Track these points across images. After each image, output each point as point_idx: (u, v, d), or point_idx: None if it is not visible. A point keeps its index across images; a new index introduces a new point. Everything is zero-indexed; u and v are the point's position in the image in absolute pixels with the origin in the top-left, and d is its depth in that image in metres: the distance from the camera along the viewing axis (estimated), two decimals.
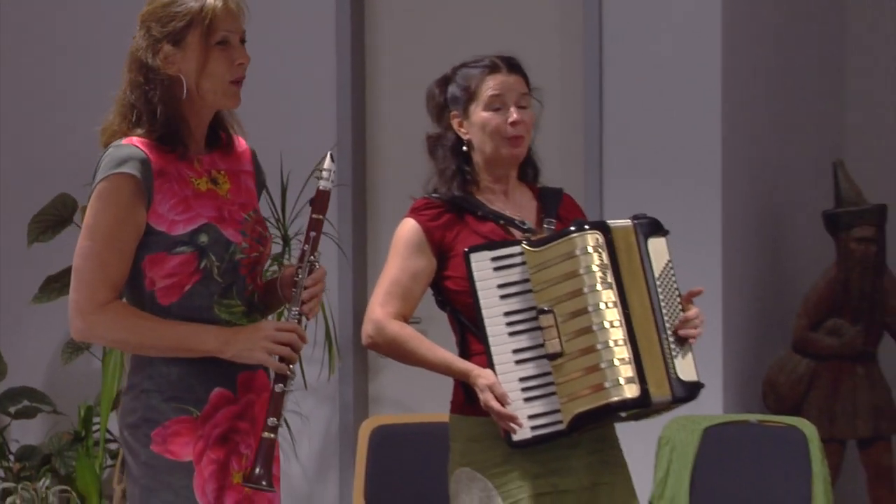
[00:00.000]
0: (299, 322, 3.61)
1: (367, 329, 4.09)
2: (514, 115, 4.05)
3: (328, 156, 3.70)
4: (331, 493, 6.18)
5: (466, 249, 3.98)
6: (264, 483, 3.51)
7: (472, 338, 4.05)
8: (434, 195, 4.11)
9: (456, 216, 4.08)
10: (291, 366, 3.57)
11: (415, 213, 4.10)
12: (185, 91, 3.55)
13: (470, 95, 4.09)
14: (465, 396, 4.03)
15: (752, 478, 5.36)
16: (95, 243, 3.51)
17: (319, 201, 3.66)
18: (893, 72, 6.97)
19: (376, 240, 6.23)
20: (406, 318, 4.09)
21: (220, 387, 3.58)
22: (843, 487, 6.04)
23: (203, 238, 3.53)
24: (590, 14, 5.91)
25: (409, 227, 4.09)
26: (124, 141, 3.54)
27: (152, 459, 3.54)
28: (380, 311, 4.06)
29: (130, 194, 3.49)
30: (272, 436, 3.53)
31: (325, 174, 3.67)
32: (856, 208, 6.13)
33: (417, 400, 6.03)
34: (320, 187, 3.67)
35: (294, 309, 3.60)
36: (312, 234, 3.64)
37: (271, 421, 3.54)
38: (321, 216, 3.66)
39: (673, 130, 5.82)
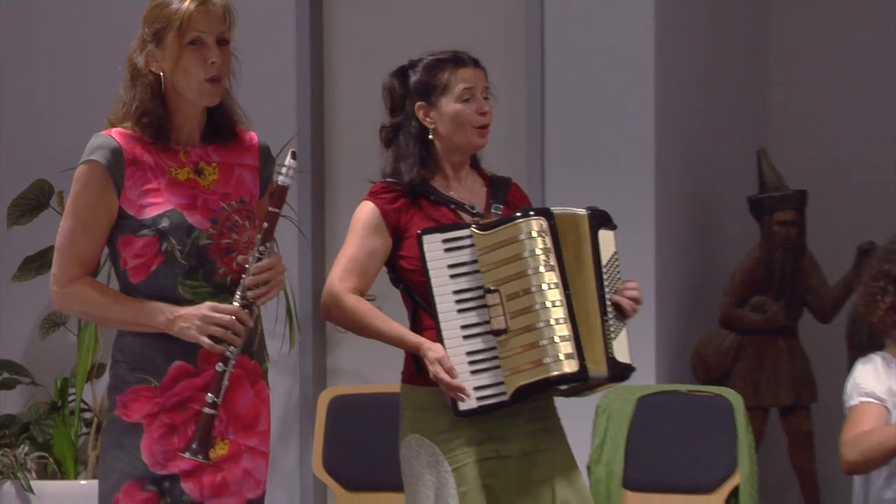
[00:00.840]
0: (248, 307, 3.61)
1: (326, 301, 4.10)
2: (484, 105, 4.07)
3: (290, 153, 3.70)
4: (291, 459, 6.18)
5: (419, 231, 3.99)
6: (200, 456, 3.52)
7: (423, 314, 4.05)
8: (391, 180, 4.11)
9: (411, 200, 4.09)
10: (232, 347, 3.56)
11: (373, 196, 4.11)
12: (162, 87, 3.58)
13: (441, 88, 4.09)
14: (416, 368, 4.04)
15: (683, 443, 5.38)
16: (69, 223, 3.58)
17: (278, 196, 3.67)
18: (813, 68, 7.00)
19: (333, 222, 6.23)
20: (362, 293, 4.09)
21: (180, 360, 3.60)
22: (766, 452, 6.09)
23: (164, 222, 3.56)
24: (532, 13, 5.91)
25: (367, 209, 4.10)
26: (105, 132, 3.59)
27: (112, 421, 3.61)
28: (338, 285, 4.07)
29: (99, 180, 3.54)
30: (211, 411, 3.53)
31: (284, 170, 3.67)
32: (778, 194, 6.16)
33: (371, 371, 6.04)
34: (279, 182, 3.67)
35: (238, 294, 3.61)
36: (267, 225, 3.65)
37: (209, 398, 3.54)
38: (278, 210, 3.67)
39: (610, 123, 5.84)
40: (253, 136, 3.79)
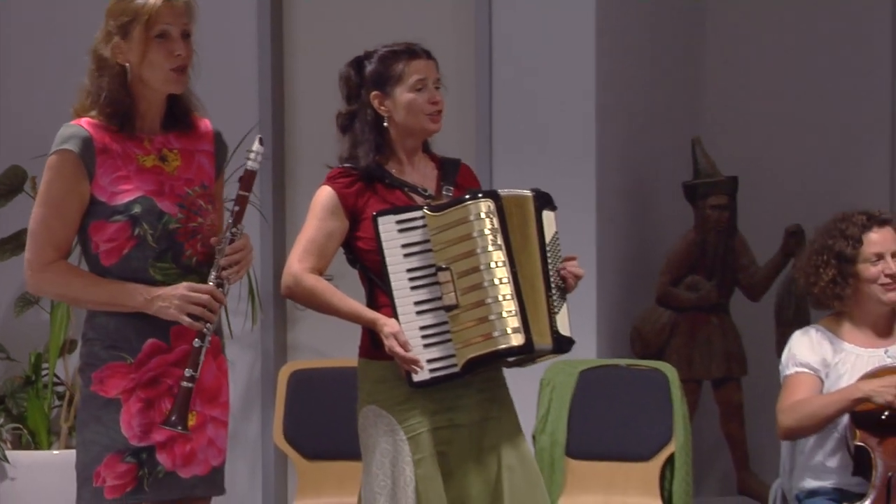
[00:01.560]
0: (221, 286, 3.63)
1: (287, 281, 4.10)
2: (436, 95, 4.08)
3: (257, 139, 3.73)
4: (254, 430, 6.18)
5: (374, 213, 3.99)
6: (179, 427, 3.54)
7: (378, 291, 4.06)
8: (348, 165, 4.11)
9: (367, 184, 4.09)
10: (208, 324, 3.58)
11: (330, 180, 4.11)
12: (128, 78, 3.58)
13: (396, 78, 4.08)
14: (372, 343, 4.04)
15: (622, 414, 5.40)
16: (43, 210, 3.58)
17: (247, 180, 3.71)
18: (744, 61, 7.02)
19: (293, 206, 6.22)
20: (321, 272, 4.09)
21: (153, 338, 3.60)
22: (699, 421, 6.11)
23: (136, 208, 3.56)
24: (480, 8, 5.92)
25: (325, 193, 4.10)
26: (74, 121, 3.58)
27: (89, 397, 3.60)
28: (298, 265, 4.07)
29: (72, 168, 3.53)
30: (189, 385, 3.55)
31: (252, 155, 3.71)
32: (711, 180, 6.18)
33: (329, 347, 6.03)
34: (248, 167, 3.71)
35: (213, 273, 3.63)
36: (237, 209, 3.68)
37: (187, 372, 3.56)
38: (247, 193, 3.71)
39: (554, 112, 5.85)
40: (207, 124, 3.79)
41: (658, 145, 6.56)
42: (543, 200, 4.09)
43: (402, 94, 4.08)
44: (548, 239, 4.06)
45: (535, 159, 5.80)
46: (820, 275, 4.51)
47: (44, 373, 6.13)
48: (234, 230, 3.67)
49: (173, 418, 3.52)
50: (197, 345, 3.57)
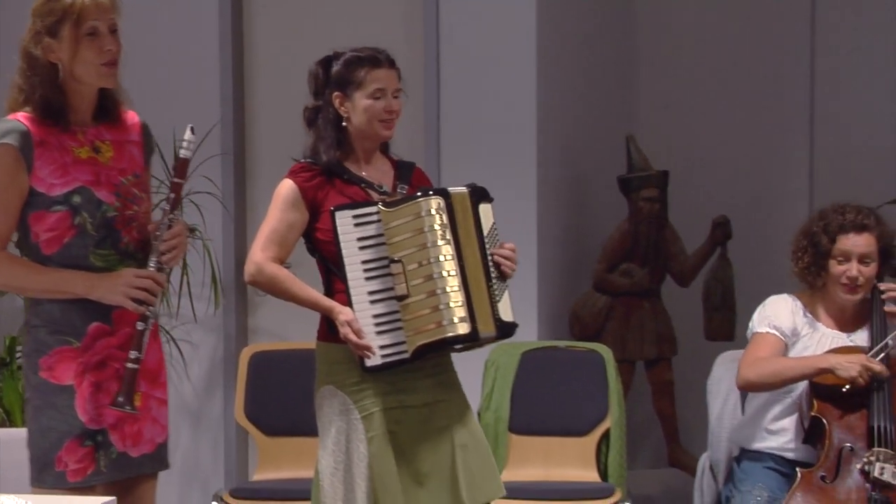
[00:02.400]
0: (160, 270, 3.60)
1: (250, 269, 4.09)
2: (393, 105, 4.08)
3: (189, 128, 3.68)
4: (217, 408, 6.16)
5: (332, 208, 4.00)
6: (127, 407, 3.51)
7: (335, 279, 4.06)
8: (309, 160, 4.11)
9: (326, 178, 4.09)
10: (150, 308, 3.56)
11: (293, 174, 4.11)
12: (60, 76, 3.52)
13: (357, 83, 4.08)
14: (329, 327, 4.05)
15: (561, 392, 5.41)
16: None
17: (180, 167, 3.67)
18: (674, 64, 7.05)
19: (253, 198, 6.20)
20: (282, 261, 4.10)
21: (97, 321, 3.57)
22: (633, 399, 6.14)
23: (76, 198, 3.53)
24: (428, 13, 5.91)
25: (287, 186, 4.10)
26: (11, 116, 3.53)
27: (40, 384, 3.54)
28: (260, 254, 4.07)
29: (11, 162, 3.49)
30: (134, 366, 3.52)
31: (185, 144, 3.67)
32: (644, 174, 6.19)
33: (288, 330, 6.02)
34: (181, 155, 3.67)
35: (153, 259, 3.60)
36: (172, 196, 3.64)
37: (132, 354, 3.53)
38: (181, 181, 3.67)
39: (497, 111, 5.85)
40: (133, 115, 3.75)
41: (594, 141, 6.57)
42: (479, 195, 4.09)
43: (361, 100, 4.08)
44: (486, 231, 4.06)
45: (479, 154, 5.80)
46: (801, 257, 4.51)
47: (18, 355, 6.09)
48: (171, 216, 3.63)
49: (121, 399, 3.50)
50: (140, 327, 3.55)
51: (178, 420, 6.12)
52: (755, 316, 4.50)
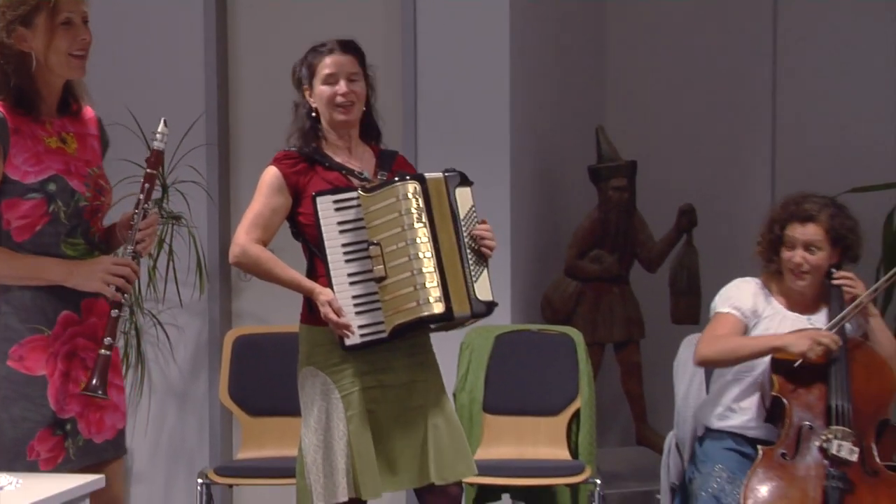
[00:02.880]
0: (134, 258, 3.57)
1: (234, 251, 4.10)
2: (343, 87, 4.08)
3: (162, 121, 3.66)
4: (202, 389, 6.15)
5: (314, 193, 4.01)
6: (100, 392, 3.47)
7: (317, 261, 4.08)
8: (292, 148, 4.13)
9: (308, 165, 4.11)
10: (125, 295, 3.54)
11: (277, 162, 4.13)
12: (34, 65, 3.46)
13: (312, 72, 4.12)
14: (310, 310, 4.07)
15: (533, 373, 5.42)
16: None
17: (154, 159, 3.63)
18: (642, 60, 7.06)
19: (236, 187, 6.19)
20: (265, 243, 4.12)
21: (66, 310, 3.52)
22: (603, 380, 6.15)
23: (52, 186, 3.48)
24: (406, 10, 5.91)
25: (271, 173, 4.11)
26: None
27: (10, 374, 3.46)
28: (245, 237, 4.08)
29: None
30: (107, 353, 3.48)
31: (158, 136, 3.64)
32: (613, 164, 6.20)
33: (270, 314, 6.02)
34: (154, 147, 3.63)
35: (129, 247, 3.57)
36: (147, 186, 3.59)
37: (107, 340, 3.49)
38: (154, 171, 3.63)
39: (474, 105, 5.85)
40: (89, 110, 3.70)
41: (565, 133, 6.58)
42: (456, 179, 4.09)
43: (317, 87, 4.12)
44: (463, 213, 4.07)
45: (455, 146, 5.80)
46: (761, 242, 4.54)
47: None
48: (145, 206, 3.59)
49: (94, 382, 3.45)
50: (115, 314, 3.50)
51: (165, 401, 6.12)
52: (717, 296, 4.52)
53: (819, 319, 4.45)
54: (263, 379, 5.40)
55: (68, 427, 3.51)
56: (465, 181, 4.11)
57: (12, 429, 3.45)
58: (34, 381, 3.46)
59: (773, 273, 4.53)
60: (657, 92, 7.02)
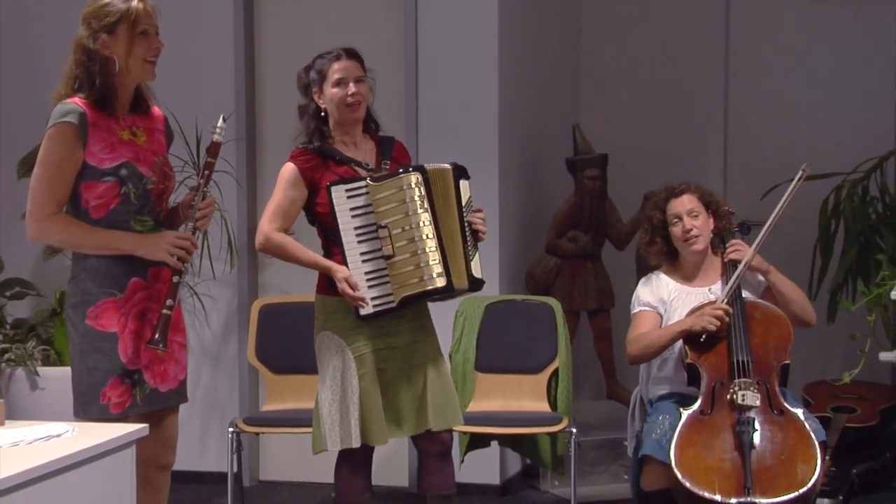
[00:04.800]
0: (193, 233, 3.63)
1: (259, 238, 4.11)
2: (351, 88, 4.07)
3: (221, 117, 3.73)
4: (232, 351, 6.16)
5: (328, 184, 4.01)
6: (161, 346, 3.54)
7: (332, 244, 4.08)
8: (307, 146, 4.12)
9: (321, 161, 4.10)
10: (185, 264, 3.59)
11: (293, 158, 4.12)
12: (116, 67, 3.53)
13: (323, 77, 4.09)
14: (327, 283, 4.07)
15: (518, 337, 5.43)
16: (46, 171, 3.49)
17: (213, 149, 3.70)
18: (613, 65, 7.06)
19: (262, 176, 6.18)
20: (286, 230, 4.11)
21: (135, 276, 3.58)
22: (578, 342, 6.17)
23: (123, 171, 3.53)
24: (408, 18, 5.89)
25: (289, 169, 4.11)
26: (69, 100, 3.52)
27: (87, 330, 3.53)
28: (268, 225, 4.08)
29: (72, 137, 3.47)
30: (168, 312, 3.55)
31: (217, 130, 3.71)
32: (587, 156, 6.20)
33: (292, 286, 6.02)
34: (213, 139, 3.70)
35: (190, 224, 3.63)
36: (207, 172, 3.68)
37: (168, 302, 3.56)
38: (213, 160, 3.69)
39: (466, 103, 5.84)
40: (157, 109, 3.76)
41: (546, 129, 6.58)
42: (460, 172, 4.11)
43: (328, 90, 4.10)
44: (464, 202, 4.08)
45: (451, 140, 5.80)
46: (649, 240, 4.61)
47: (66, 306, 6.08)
48: (204, 189, 3.66)
49: (157, 337, 3.52)
50: (176, 280, 3.56)
51: (200, 361, 6.13)
52: (633, 300, 4.59)
53: (718, 288, 4.52)
54: (285, 342, 5.41)
55: (136, 377, 3.57)
56: (465, 174, 4.12)
57: (88, 377, 3.52)
58: (107, 336, 3.52)
59: (669, 263, 4.60)
60: (625, 94, 7.03)
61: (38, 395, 5.78)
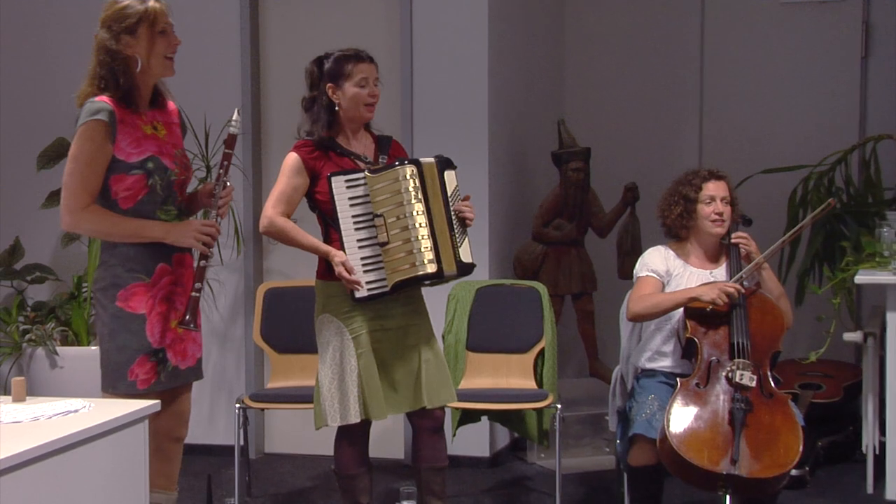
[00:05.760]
0: (216, 220, 3.66)
1: (264, 222, 4.11)
2: (374, 91, 4.09)
3: (236, 110, 3.77)
4: (239, 331, 6.16)
5: (329, 174, 4.00)
6: (192, 325, 3.59)
7: (331, 230, 4.09)
8: (310, 137, 4.11)
9: (323, 152, 4.10)
10: (211, 249, 3.61)
11: (296, 148, 4.12)
12: (139, 66, 3.54)
13: (346, 75, 4.07)
14: (326, 268, 4.07)
15: (507, 319, 5.42)
16: (79, 165, 3.50)
17: (230, 141, 3.72)
18: (595, 64, 7.05)
19: (267, 168, 6.18)
20: (288, 216, 4.12)
21: (162, 262, 3.60)
22: (563, 324, 6.17)
23: (150, 164, 3.55)
24: (403, 21, 5.89)
25: (292, 158, 4.11)
26: (97, 98, 3.52)
27: (117, 312, 3.55)
28: (272, 210, 4.09)
29: (102, 133, 3.48)
30: (196, 295, 3.58)
31: (234, 123, 3.72)
32: (571, 149, 6.20)
33: (294, 271, 6.03)
34: (230, 132, 3.72)
35: (213, 212, 3.66)
36: (225, 163, 3.69)
37: (196, 286, 3.59)
38: (230, 151, 3.71)
39: (458, 98, 5.84)
40: (171, 104, 3.77)
41: (533, 124, 6.58)
42: (444, 164, 4.10)
43: (349, 88, 4.08)
44: (449, 192, 4.07)
45: (444, 133, 5.80)
46: (672, 210, 4.55)
47: (84, 290, 6.08)
48: (224, 179, 3.69)
49: (187, 317, 3.56)
50: (203, 264, 3.59)
51: (209, 341, 6.13)
52: (637, 265, 4.57)
53: (719, 272, 4.51)
54: (289, 323, 5.41)
55: (160, 355, 3.60)
56: (451, 165, 4.12)
57: (117, 355, 3.55)
58: (136, 317, 3.55)
59: (679, 240, 4.57)
60: (607, 92, 7.03)
61: (56, 373, 5.78)
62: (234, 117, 3.73)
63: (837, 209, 5.94)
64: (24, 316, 6.06)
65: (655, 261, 4.52)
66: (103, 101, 3.51)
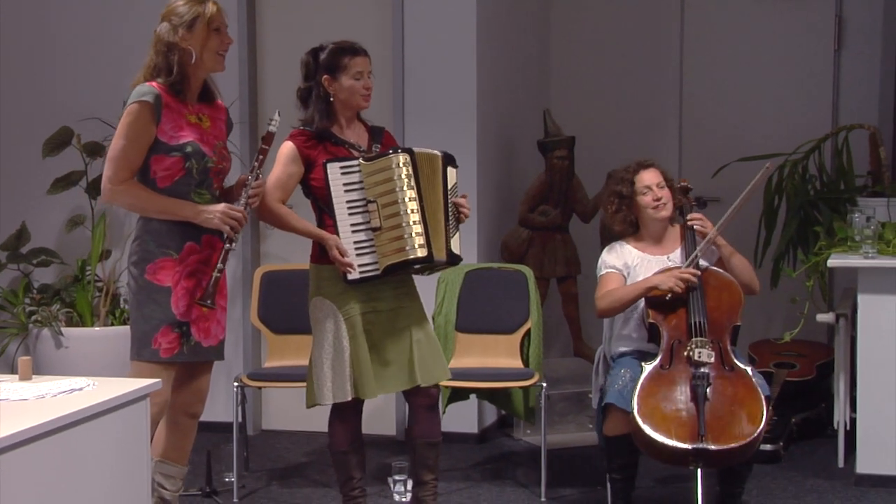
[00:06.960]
0: (245, 208, 3.75)
1: (260, 208, 4.10)
2: (368, 83, 4.08)
3: (276, 112, 3.88)
4: (237, 313, 6.16)
5: (325, 161, 4.00)
6: (209, 302, 3.66)
7: (325, 215, 4.08)
8: (305, 127, 4.10)
9: (318, 141, 4.09)
10: (236, 234, 3.69)
11: (292, 138, 4.11)
12: (193, 59, 3.64)
13: (343, 68, 4.05)
14: (320, 252, 4.06)
15: (495, 301, 5.43)
16: (124, 142, 3.60)
17: (268, 138, 3.82)
18: (582, 50, 7.04)
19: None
20: (284, 202, 4.11)
21: (191, 241, 3.68)
22: (548, 306, 6.18)
23: (189, 148, 3.63)
24: (395, 15, 5.87)
25: (288, 147, 4.10)
26: (148, 83, 3.63)
27: (146, 284, 3.64)
28: (268, 196, 4.06)
29: (147, 114, 3.58)
30: (218, 275, 3.67)
31: (273, 123, 3.85)
32: (556, 138, 6.20)
33: (290, 255, 6.01)
34: (269, 130, 3.83)
35: (243, 199, 3.75)
36: (261, 157, 3.80)
37: (219, 266, 3.68)
38: (267, 147, 3.81)
39: (448, 90, 5.84)
40: (221, 102, 3.87)
41: (519, 114, 6.58)
42: (449, 160, 4.10)
43: (346, 80, 4.07)
44: (450, 186, 4.07)
45: (434, 123, 5.79)
46: (615, 208, 4.60)
47: (87, 273, 6.06)
48: (258, 171, 3.79)
49: (207, 294, 3.63)
50: (227, 247, 3.68)
51: None
52: (598, 263, 4.61)
53: (675, 257, 4.56)
54: (285, 305, 5.40)
55: (184, 328, 3.67)
56: (453, 162, 4.12)
57: (143, 324, 3.64)
58: (162, 290, 3.63)
59: (632, 233, 4.61)
60: (591, 82, 7.03)
61: (61, 352, 5.77)
62: (274, 117, 3.84)
63: (811, 196, 5.95)
64: (31, 298, 6.05)
65: (611, 258, 4.58)
66: (152, 85, 3.61)
